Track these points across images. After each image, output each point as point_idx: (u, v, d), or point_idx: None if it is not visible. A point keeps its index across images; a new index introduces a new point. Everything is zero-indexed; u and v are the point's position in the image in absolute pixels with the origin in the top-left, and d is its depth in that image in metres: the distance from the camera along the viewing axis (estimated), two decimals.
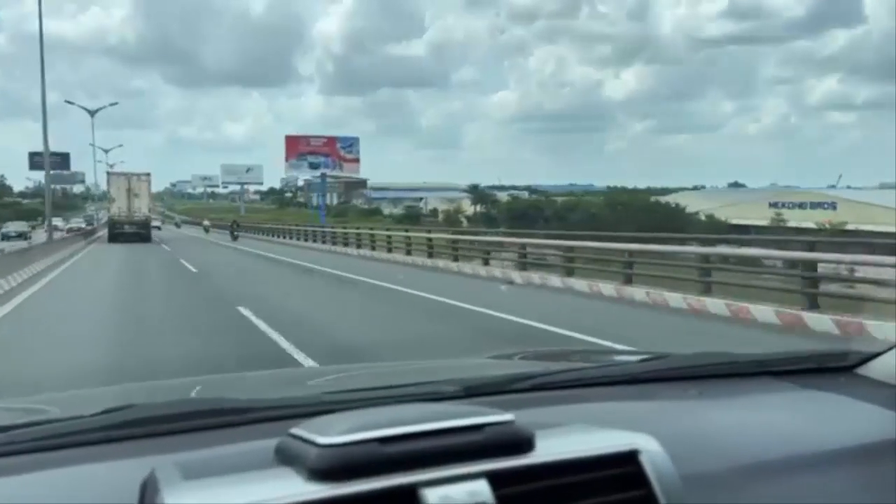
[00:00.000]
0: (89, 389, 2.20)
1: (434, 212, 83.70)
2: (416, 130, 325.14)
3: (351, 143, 61.28)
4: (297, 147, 59.75)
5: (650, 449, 0.80)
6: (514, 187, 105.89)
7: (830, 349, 1.35)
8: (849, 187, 65.19)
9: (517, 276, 15.08)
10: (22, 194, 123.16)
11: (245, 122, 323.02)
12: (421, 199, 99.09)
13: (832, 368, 1.27)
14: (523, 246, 16.42)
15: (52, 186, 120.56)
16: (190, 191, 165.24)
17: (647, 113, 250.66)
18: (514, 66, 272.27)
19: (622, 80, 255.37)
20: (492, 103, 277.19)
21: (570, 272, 14.04)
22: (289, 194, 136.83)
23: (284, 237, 36.84)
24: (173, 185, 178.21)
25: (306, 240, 32.77)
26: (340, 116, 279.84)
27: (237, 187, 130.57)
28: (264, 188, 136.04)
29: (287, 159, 59.62)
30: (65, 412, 1.11)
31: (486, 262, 17.43)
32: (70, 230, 44.66)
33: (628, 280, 12.20)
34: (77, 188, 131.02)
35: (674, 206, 40.20)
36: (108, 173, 40.32)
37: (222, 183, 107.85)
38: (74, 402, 1.37)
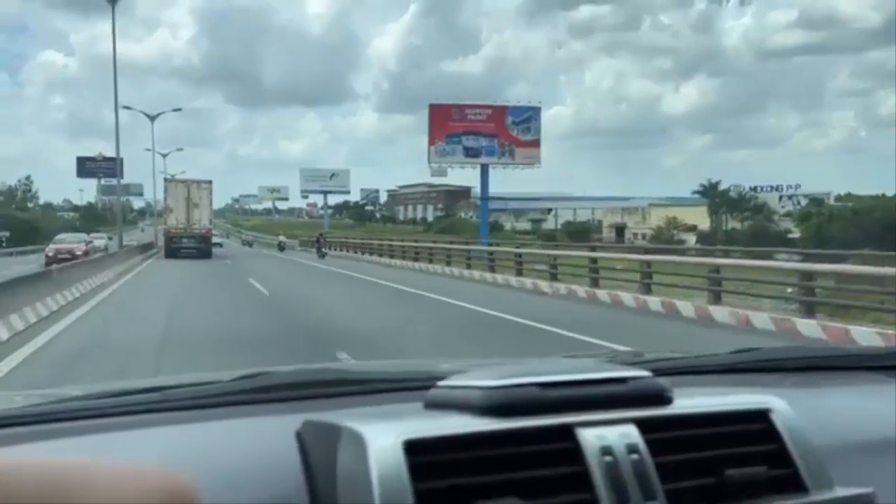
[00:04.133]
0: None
1: (588, 224, 65.03)
2: None
3: (528, 117, 39.63)
4: (446, 123, 39.37)
5: (781, 409, 0.85)
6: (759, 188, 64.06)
7: None
8: None
9: None
10: (76, 208, 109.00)
11: (302, 140, 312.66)
12: (550, 210, 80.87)
13: None
14: None
15: (105, 199, 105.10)
16: (254, 206, 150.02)
17: (707, 127, 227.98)
18: (571, 81, 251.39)
19: (682, 93, 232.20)
20: (546, 118, 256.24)
21: None
22: (369, 207, 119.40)
23: (401, 258, 26.75)
24: (235, 199, 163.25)
25: (444, 264, 22.28)
26: (394, 134, 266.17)
27: (304, 203, 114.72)
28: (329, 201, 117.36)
29: (432, 142, 39.57)
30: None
31: None
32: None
33: None
34: (136, 202, 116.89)
35: None
36: (166, 180, 36.67)
37: (301, 191, 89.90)
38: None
